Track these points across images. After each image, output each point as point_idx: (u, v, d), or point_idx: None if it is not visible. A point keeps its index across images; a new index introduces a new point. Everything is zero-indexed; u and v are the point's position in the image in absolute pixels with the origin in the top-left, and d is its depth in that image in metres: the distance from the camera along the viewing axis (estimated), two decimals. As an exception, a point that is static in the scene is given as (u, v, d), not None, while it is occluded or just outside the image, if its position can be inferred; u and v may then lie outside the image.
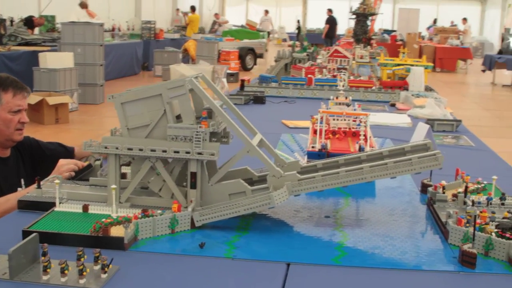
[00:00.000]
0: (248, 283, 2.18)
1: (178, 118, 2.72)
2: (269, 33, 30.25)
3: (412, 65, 8.07)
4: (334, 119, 4.36)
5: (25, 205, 2.83)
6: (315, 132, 4.22)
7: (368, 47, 15.44)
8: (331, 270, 2.31)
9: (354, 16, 16.38)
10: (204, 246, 2.43)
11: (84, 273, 2.07)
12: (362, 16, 17.38)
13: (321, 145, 3.62)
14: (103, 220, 2.46)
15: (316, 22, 38.01)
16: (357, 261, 2.38)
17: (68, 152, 3.90)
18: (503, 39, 21.94)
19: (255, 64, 22.80)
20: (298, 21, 40.91)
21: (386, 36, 26.32)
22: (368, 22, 16.77)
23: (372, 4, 16.19)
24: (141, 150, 2.66)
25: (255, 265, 2.32)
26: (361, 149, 3.59)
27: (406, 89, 7.28)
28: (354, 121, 4.38)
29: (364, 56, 12.21)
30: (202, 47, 18.20)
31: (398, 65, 8.33)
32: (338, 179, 2.68)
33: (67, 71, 12.05)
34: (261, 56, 23.65)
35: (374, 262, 2.39)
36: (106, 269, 2.11)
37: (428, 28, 32.49)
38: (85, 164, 3.35)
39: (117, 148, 2.67)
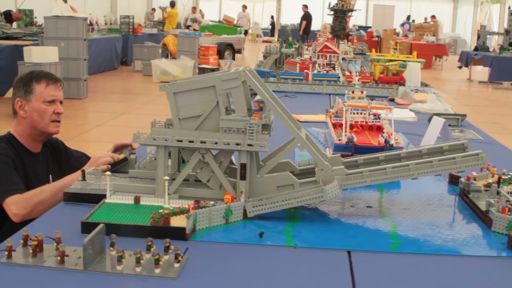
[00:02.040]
0: (316, 270, 2.23)
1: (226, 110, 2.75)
2: (246, 31, 30.00)
3: (404, 61, 8.18)
4: (351, 113, 4.43)
5: (71, 197, 2.83)
6: (335, 125, 4.28)
7: (349, 43, 15.59)
8: (392, 257, 2.37)
9: (332, 12, 16.54)
10: (263, 236, 2.47)
11: (160, 263, 2.09)
12: (341, 12, 17.52)
13: (348, 138, 3.67)
14: (161, 211, 2.48)
15: (290, 18, 38.12)
16: (413, 248, 2.45)
17: None
18: (479, 36, 22.28)
19: (233, 59, 22.80)
20: (272, 17, 41.02)
21: (362, 32, 26.54)
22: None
23: (349, 0, 16.33)
24: (191, 141, 2.68)
25: (317, 253, 2.37)
26: (386, 142, 3.66)
27: (402, 84, 7.38)
28: (374, 115, 4.46)
29: (348, 52, 12.32)
30: (183, 42, 18.15)
31: (391, 60, 8.42)
32: (385, 175, 2.76)
33: (52, 66, 11.91)
34: (239, 51, 23.69)
35: (429, 249, 2.46)
36: (179, 258, 2.13)
37: (402, 25, 32.80)
38: (121, 156, 3.35)
39: (166, 140, 2.69)
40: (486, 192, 3.07)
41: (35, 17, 17.95)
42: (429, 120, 5.37)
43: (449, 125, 5.30)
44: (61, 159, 3.85)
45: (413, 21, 33.35)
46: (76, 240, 2.34)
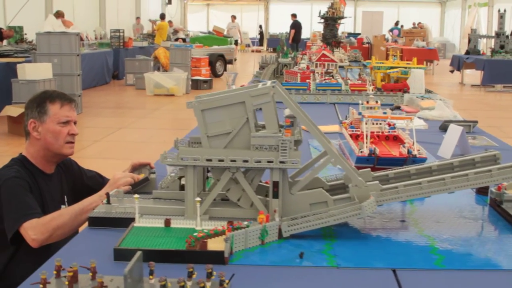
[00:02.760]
0: (366, 292, 2.14)
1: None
2: (237, 41, 29.81)
3: (406, 68, 8.12)
4: (366, 123, 4.35)
5: (96, 222, 2.73)
6: (353, 137, 4.20)
7: (342, 50, 15.56)
8: (439, 274, 2.29)
9: (322, 21, 16.54)
10: (303, 256, 2.38)
11: (207, 290, 1.99)
12: (331, 20, 17.53)
13: (369, 149, 3.59)
14: (196, 234, 2.39)
15: (278, 27, 38.16)
16: (458, 264, 2.37)
17: (103, 184, 3.78)
18: (470, 40, 22.34)
19: (225, 70, 22.73)
20: (260, 26, 41.05)
21: (352, 39, 26.55)
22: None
23: (339, 8, 16.37)
24: (221, 160, 2.58)
25: (362, 273, 2.28)
26: (409, 153, 3.58)
27: (406, 91, 7.31)
28: (389, 125, 4.38)
29: (344, 60, 12.27)
30: (175, 54, 18.04)
31: (391, 68, 8.36)
32: (421, 190, 2.69)
33: (46, 82, 11.78)
34: (230, 62, 23.63)
35: (474, 264, 2.39)
36: (225, 285, 2.04)
37: (391, 30, 32.90)
38: (141, 176, 3.25)
39: (195, 160, 2.59)
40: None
41: (25, 34, 17.82)
42: (441, 127, 5.32)
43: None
44: (75, 179, 3.74)
45: (402, 26, 33.45)
46: (108, 268, 2.24)
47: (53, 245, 3.16)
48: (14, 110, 10.68)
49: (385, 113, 4.45)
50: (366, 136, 3.76)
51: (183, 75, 16.89)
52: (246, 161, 2.57)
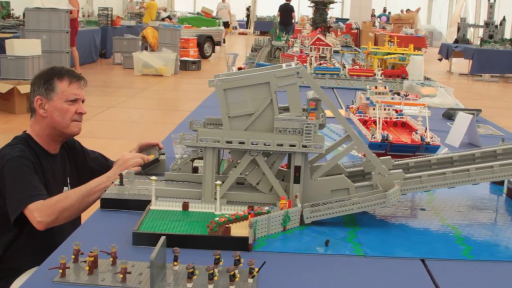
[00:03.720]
0: (397, 281, 2.08)
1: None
2: (227, 23, 29.15)
3: (403, 54, 8.05)
4: (373, 109, 4.28)
5: (109, 203, 2.63)
6: (363, 122, 4.12)
7: (333, 35, 15.48)
8: (469, 265, 2.23)
9: (312, 4, 16.44)
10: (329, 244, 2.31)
11: (237, 279, 1.91)
12: (321, 5, 17.42)
13: (382, 135, 3.52)
14: (217, 219, 2.30)
15: (266, 10, 37.93)
16: (486, 255, 2.32)
17: (107, 166, 3.66)
18: (459, 29, 22.32)
19: (213, 51, 22.55)
20: (248, 9, 40.73)
21: (341, 24, 26.41)
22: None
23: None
24: (241, 143, 2.49)
25: (391, 262, 2.22)
26: (422, 140, 3.52)
27: (404, 77, 7.25)
28: (396, 111, 4.31)
29: (335, 45, 12.19)
30: (164, 34, 17.79)
31: (388, 54, 8.27)
32: (445, 180, 2.63)
33: (35, 59, 11.57)
34: (218, 43, 23.42)
35: (503, 255, 2.33)
36: (254, 273, 1.95)
37: (379, 17, 32.81)
38: (151, 157, 3.15)
39: (215, 141, 2.49)
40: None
41: (12, 9, 17.50)
42: (444, 115, 5.26)
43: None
44: (78, 160, 3.62)
45: (390, 13, 33.38)
46: (126, 252, 2.15)
47: (56, 229, 3.06)
48: (3, 86, 10.47)
49: (393, 98, 4.38)
50: (379, 121, 3.68)
51: (172, 56, 16.69)
52: (267, 144, 2.48)
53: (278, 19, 24.34)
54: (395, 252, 2.29)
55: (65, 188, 3.42)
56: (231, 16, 30.97)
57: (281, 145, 2.48)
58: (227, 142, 2.49)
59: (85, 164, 3.65)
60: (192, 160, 2.96)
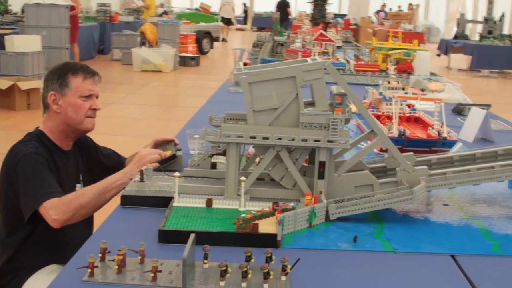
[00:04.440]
0: (430, 277, 2.05)
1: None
2: (229, 20, 28.25)
3: (408, 49, 8.02)
4: (386, 104, 4.25)
5: (129, 201, 2.58)
6: (376, 117, 4.08)
7: (334, 30, 15.43)
8: (500, 261, 2.20)
9: (312, 0, 16.39)
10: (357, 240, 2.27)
11: (271, 277, 1.87)
12: (320, 0, 17.37)
13: (399, 130, 3.49)
14: (243, 215, 2.27)
15: (264, 6, 37.86)
16: (515, 250, 2.29)
17: (120, 162, 3.62)
18: (458, 24, 22.31)
19: (211, 47, 22.47)
20: (245, 5, 40.60)
21: (340, 20, 26.37)
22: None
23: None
24: (266, 138, 2.45)
25: (421, 258, 2.19)
26: (439, 135, 3.49)
27: (410, 73, 7.21)
28: (408, 106, 4.28)
29: (336, 40, 12.12)
30: (163, 30, 17.71)
31: (393, 49, 8.24)
32: (470, 177, 2.62)
33: (35, 55, 11.49)
34: (217, 39, 23.32)
35: (534, 250, 2.29)
36: (287, 270, 1.92)
37: (377, 13, 32.73)
38: (167, 153, 3.10)
39: (239, 137, 2.45)
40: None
41: (10, 5, 17.40)
42: (454, 110, 5.23)
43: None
44: (90, 157, 3.58)
45: (390, 9, 33.29)
46: (152, 250, 2.10)
47: (69, 227, 3.01)
48: (3, 83, 10.40)
49: (406, 93, 4.36)
50: (395, 116, 3.65)
51: (171, 52, 16.62)
52: (292, 139, 2.44)
53: (276, 16, 24.22)
54: (424, 248, 2.26)
55: (78, 185, 3.38)
56: (234, 13, 30.09)
57: (306, 140, 2.44)
58: (251, 137, 2.45)
59: (97, 161, 3.61)
60: (211, 156, 2.93)
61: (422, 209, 2.69)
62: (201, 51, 21.33)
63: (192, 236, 1.95)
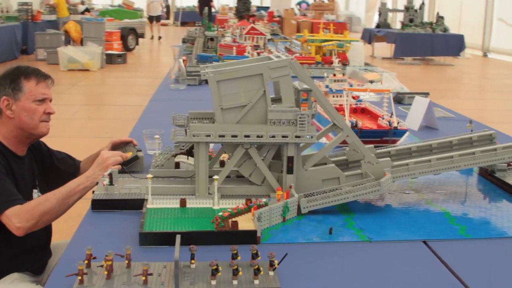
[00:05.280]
0: (409, 263, 2.14)
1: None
2: (159, 17, 27.43)
3: (340, 40, 8.18)
4: (333, 96, 4.34)
5: (101, 205, 2.57)
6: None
7: (262, 23, 15.54)
8: (470, 243, 2.32)
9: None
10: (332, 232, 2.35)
11: (261, 272, 1.91)
12: (245, -7, 17.42)
13: (351, 122, 3.58)
14: (221, 214, 2.30)
15: (186, 0, 37.68)
16: (482, 233, 2.42)
17: (74, 165, 3.57)
18: (380, 13, 22.85)
19: (137, 44, 22.17)
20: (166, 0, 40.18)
21: (263, 12, 26.53)
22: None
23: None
24: (234, 136, 2.48)
25: (397, 246, 2.28)
26: (390, 125, 3.60)
27: (345, 64, 7.37)
28: (353, 97, 4.39)
29: (265, 33, 12.20)
30: (89, 28, 17.37)
31: (325, 41, 8.38)
32: (431, 167, 2.73)
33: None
34: (142, 36, 23.02)
35: (497, 232, 2.44)
36: (276, 265, 1.96)
37: (299, 4, 33.08)
38: (129, 155, 3.09)
39: (208, 136, 2.48)
40: (510, 171, 3.07)
41: None
42: (395, 100, 5.39)
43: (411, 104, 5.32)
44: (44, 161, 3.50)
45: (315, 0, 33.70)
46: (133, 254, 2.10)
47: (29, 234, 2.95)
48: None
49: (351, 85, 4.46)
50: (346, 108, 3.74)
51: (98, 50, 16.33)
52: (260, 136, 2.48)
53: (204, 11, 24.09)
54: (397, 236, 2.36)
55: (34, 191, 3.31)
56: (163, 9, 29.21)
57: (274, 136, 2.49)
58: (220, 136, 2.48)
59: (52, 165, 3.54)
60: (174, 155, 2.94)
61: (386, 198, 2.79)
62: (127, 48, 21.00)
63: (178, 237, 1.96)
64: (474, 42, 23.70)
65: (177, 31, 31.93)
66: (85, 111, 11.47)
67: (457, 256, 2.19)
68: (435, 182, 3.03)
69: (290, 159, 2.55)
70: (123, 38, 20.75)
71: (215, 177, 2.47)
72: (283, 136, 2.49)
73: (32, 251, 3.24)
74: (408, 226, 2.45)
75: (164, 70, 17.96)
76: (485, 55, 24.17)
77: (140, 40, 23.16)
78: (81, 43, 17.98)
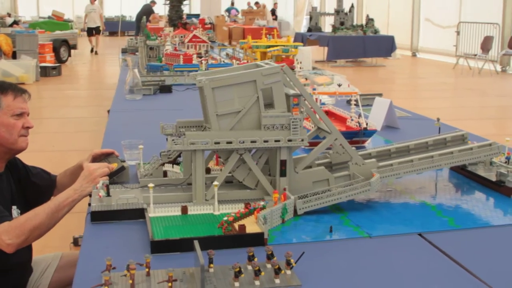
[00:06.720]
0: (411, 254, 2.27)
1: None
2: (98, 28, 25.95)
3: (285, 45, 8.34)
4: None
5: (100, 216, 2.59)
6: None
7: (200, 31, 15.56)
8: (462, 233, 2.47)
9: (168, 2, 16.51)
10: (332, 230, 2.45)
11: (283, 271, 2.00)
12: (177, 2, 17.51)
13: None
14: (226, 218, 2.37)
15: (115, 10, 37.35)
16: (470, 223, 2.58)
17: (50, 180, 3.54)
18: (311, 17, 23.27)
19: (69, 55, 21.82)
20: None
21: (194, 20, 26.54)
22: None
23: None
24: (229, 142, 2.56)
25: (395, 240, 2.40)
26: (360, 126, 3.74)
27: (293, 68, 7.51)
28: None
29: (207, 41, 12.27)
30: (21, 41, 17.01)
31: (270, 46, 8.52)
32: (413, 167, 2.87)
33: None
34: (74, 47, 22.67)
35: (482, 222, 2.61)
36: (293, 264, 2.04)
37: (227, 10, 33.25)
38: (114, 166, 3.11)
39: (206, 143, 2.54)
40: (480, 165, 3.25)
41: None
42: (348, 102, 5.55)
43: (368, 105, 5.50)
44: (21, 177, 3.47)
45: (232, 4, 34.01)
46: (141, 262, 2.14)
47: (12, 254, 2.93)
48: None
49: (314, 89, 4.60)
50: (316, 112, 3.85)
51: (32, 62, 16.02)
52: (254, 141, 2.57)
53: (143, 20, 23.96)
54: (393, 230, 2.48)
55: (13, 207, 3.28)
56: (102, 20, 27.35)
57: (267, 141, 2.58)
58: (215, 143, 2.55)
59: (28, 181, 3.51)
60: (162, 164, 2.99)
61: (372, 196, 2.90)
62: (59, 60, 20.65)
63: (197, 242, 2.02)
64: (403, 42, 24.45)
65: (105, 40, 31.54)
66: (26, 126, 11.20)
67: (453, 245, 2.32)
68: (413, 178, 3.17)
69: (283, 162, 2.64)
70: (56, 50, 20.41)
71: (215, 183, 2.54)
72: (276, 140, 2.58)
73: (15, 268, 3.22)
74: (401, 220, 2.58)
75: (105, 81, 17.77)
76: (414, 54, 24.98)
77: (73, 51, 22.82)
78: (13, 56, 17.56)
